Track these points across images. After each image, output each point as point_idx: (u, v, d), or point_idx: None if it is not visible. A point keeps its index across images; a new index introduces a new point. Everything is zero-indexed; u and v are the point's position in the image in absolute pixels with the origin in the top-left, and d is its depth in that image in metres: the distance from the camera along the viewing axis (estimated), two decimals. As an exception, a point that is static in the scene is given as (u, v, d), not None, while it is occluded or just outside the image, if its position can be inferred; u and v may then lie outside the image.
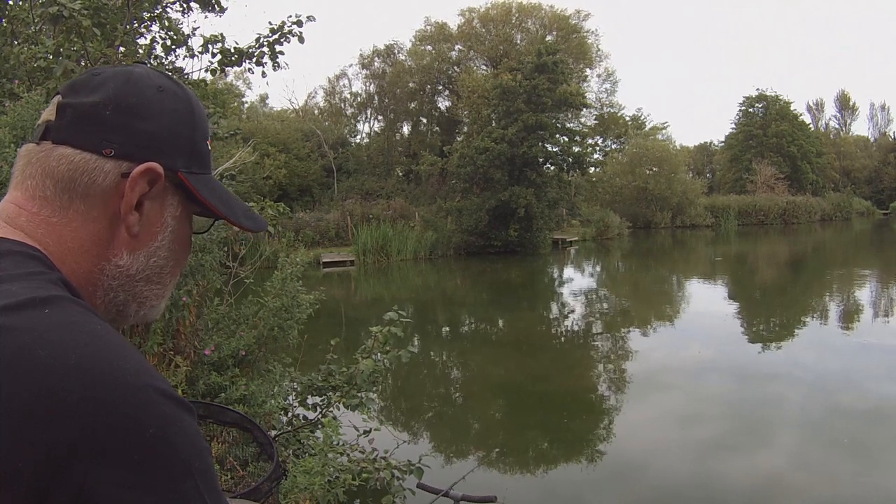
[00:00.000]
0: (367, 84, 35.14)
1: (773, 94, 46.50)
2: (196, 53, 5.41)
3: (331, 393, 4.39)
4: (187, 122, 0.70)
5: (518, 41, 33.82)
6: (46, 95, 3.84)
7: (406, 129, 35.09)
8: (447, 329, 12.98)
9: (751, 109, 47.36)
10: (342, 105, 36.92)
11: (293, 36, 5.22)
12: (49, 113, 0.67)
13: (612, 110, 39.06)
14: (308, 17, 5.23)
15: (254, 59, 5.22)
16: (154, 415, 0.53)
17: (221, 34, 5.15)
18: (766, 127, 44.98)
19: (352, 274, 20.45)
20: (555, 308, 15.02)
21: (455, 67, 33.62)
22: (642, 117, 44.49)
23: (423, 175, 28.82)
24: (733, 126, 48.84)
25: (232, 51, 5.16)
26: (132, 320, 0.73)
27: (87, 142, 0.65)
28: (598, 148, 37.59)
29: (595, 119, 37.46)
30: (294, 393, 4.68)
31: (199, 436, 0.58)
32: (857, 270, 19.47)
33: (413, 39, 34.59)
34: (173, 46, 5.30)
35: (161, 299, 0.74)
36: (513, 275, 20.30)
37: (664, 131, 43.49)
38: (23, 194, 0.66)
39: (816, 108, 62.75)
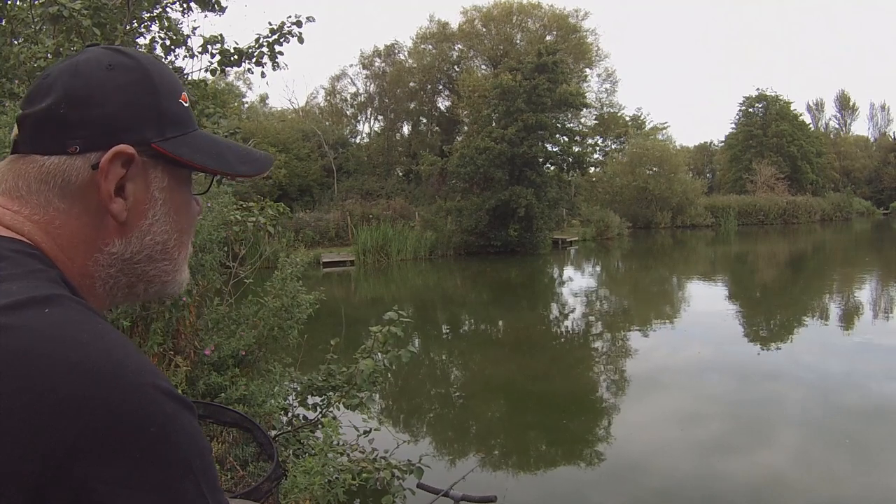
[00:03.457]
0: (368, 84, 35.22)
1: (773, 94, 46.58)
2: (196, 54, 5.41)
3: (331, 393, 4.39)
4: (147, 91, 0.67)
5: (518, 41, 33.83)
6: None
7: (406, 129, 35.11)
8: (447, 329, 12.98)
9: (751, 109, 47.36)
10: (342, 105, 36.94)
11: (293, 36, 5.22)
12: (14, 129, 0.67)
13: (612, 110, 39.06)
14: (308, 18, 5.22)
15: (253, 60, 5.22)
16: (155, 413, 0.53)
17: (221, 35, 5.15)
18: (766, 127, 44.98)
19: (352, 274, 20.45)
20: (555, 308, 15.02)
21: (455, 67, 33.63)
22: (642, 117, 44.56)
23: (423, 175, 28.81)
24: (733, 126, 48.91)
25: (231, 51, 5.16)
26: (146, 297, 0.72)
27: (51, 146, 0.64)
28: (598, 148, 37.63)
29: (595, 119, 37.45)
30: (294, 393, 4.68)
31: (201, 435, 0.58)
32: (857, 270, 19.47)
33: (414, 38, 34.67)
34: (173, 47, 5.30)
35: (174, 273, 0.72)
36: (513, 275, 20.30)
37: (664, 131, 43.56)
38: (2, 197, 0.65)
39: (816, 108, 62.80)
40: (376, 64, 34.29)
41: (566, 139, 26.04)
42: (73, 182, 0.64)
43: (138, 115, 0.66)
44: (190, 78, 5.48)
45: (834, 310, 13.31)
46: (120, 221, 0.66)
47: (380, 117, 35.32)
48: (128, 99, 0.66)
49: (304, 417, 4.64)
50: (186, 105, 0.72)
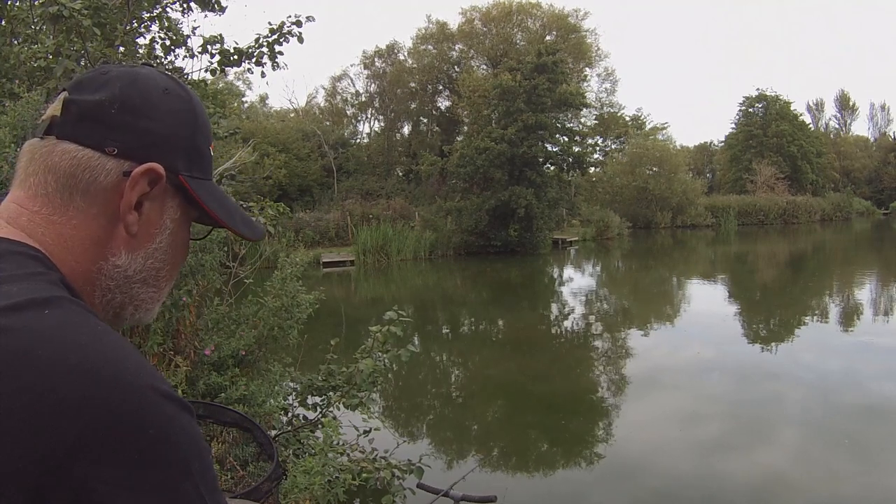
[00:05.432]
0: (368, 84, 35.24)
1: (773, 94, 46.51)
2: (196, 54, 5.40)
3: (331, 393, 4.39)
4: (190, 126, 0.71)
5: (518, 41, 33.83)
6: (46, 95, 3.84)
7: (406, 129, 35.13)
8: (447, 329, 12.98)
9: (751, 109, 47.34)
10: (343, 105, 36.95)
11: (292, 36, 5.21)
12: (54, 108, 0.67)
13: (612, 110, 39.04)
14: (307, 18, 5.22)
15: (253, 60, 5.21)
16: (154, 415, 0.54)
17: (220, 35, 5.15)
18: (767, 127, 44.95)
19: (352, 274, 20.45)
20: (555, 308, 15.02)
21: (455, 67, 33.63)
22: (642, 117, 44.51)
23: (423, 175, 28.81)
24: (733, 126, 48.86)
25: (231, 51, 5.16)
26: (128, 322, 0.73)
27: (90, 139, 0.65)
28: (598, 148, 37.60)
29: (595, 119, 37.45)
30: (294, 393, 4.68)
31: (200, 436, 0.58)
32: (857, 270, 19.48)
33: (414, 38, 34.68)
34: (172, 47, 5.30)
35: (155, 303, 0.74)
36: (513, 275, 20.30)
37: (664, 131, 43.51)
38: (25, 192, 0.66)
39: (816, 108, 62.73)
40: (377, 64, 34.33)
41: (566, 139, 26.03)
42: (100, 182, 0.65)
43: (177, 144, 0.69)
44: (190, 78, 5.47)
45: (834, 310, 13.31)
46: (130, 234, 0.67)
47: (380, 117, 35.34)
48: (173, 126, 0.69)
49: (304, 417, 4.65)
50: (212, 154, 0.75)
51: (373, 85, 34.92)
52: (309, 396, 4.53)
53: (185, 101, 0.71)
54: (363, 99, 35.84)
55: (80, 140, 0.65)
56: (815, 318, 12.43)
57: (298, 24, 5.18)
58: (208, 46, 5.16)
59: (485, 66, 33.59)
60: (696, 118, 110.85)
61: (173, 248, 0.72)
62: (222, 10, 5.69)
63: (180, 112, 0.70)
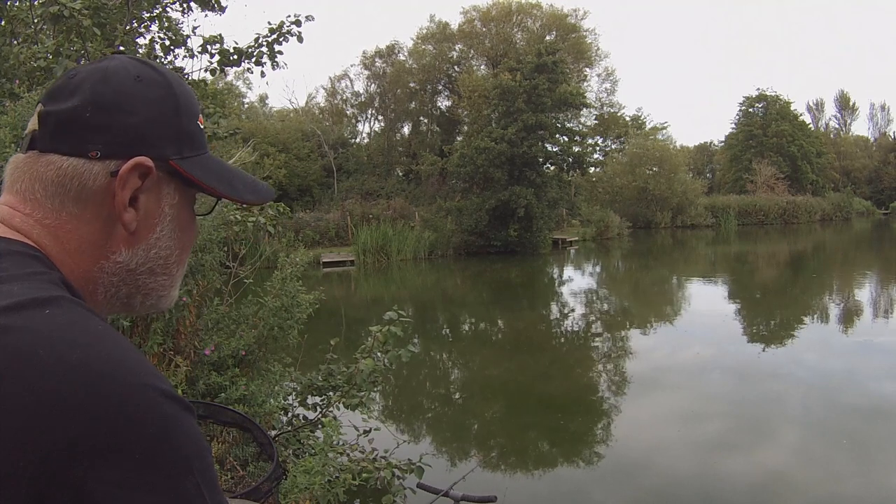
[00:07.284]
0: (369, 84, 35.24)
1: (773, 94, 46.50)
2: (195, 54, 5.41)
3: (331, 393, 4.39)
4: (171, 108, 0.68)
5: (518, 41, 33.83)
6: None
7: (406, 129, 35.12)
8: (447, 329, 12.98)
9: (751, 109, 47.33)
10: (343, 105, 36.96)
11: (292, 36, 5.22)
12: (33, 123, 0.66)
13: (612, 110, 39.03)
14: (307, 17, 5.23)
15: (253, 59, 5.22)
16: (155, 414, 0.53)
17: (220, 35, 5.16)
18: (767, 127, 44.94)
19: (352, 274, 20.46)
20: (555, 308, 15.02)
21: (455, 67, 33.63)
22: (642, 117, 44.49)
23: (423, 175, 28.82)
24: (733, 126, 48.85)
25: (231, 51, 5.16)
26: (140, 310, 0.73)
27: (71, 147, 0.64)
28: (598, 148, 37.58)
29: (595, 119, 37.43)
30: (294, 393, 4.68)
31: (200, 435, 0.58)
32: (858, 270, 19.48)
33: (414, 38, 34.69)
34: (172, 47, 5.30)
35: (168, 289, 0.73)
36: (513, 275, 20.30)
37: (664, 131, 43.46)
38: (14, 197, 0.65)
39: (816, 108, 62.71)
40: (377, 64, 34.33)
41: (566, 139, 26.04)
42: (90, 187, 0.64)
43: (160, 131, 0.67)
44: (190, 78, 5.48)
45: (834, 310, 13.31)
46: (129, 231, 0.67)
47: (380, 117, 35.35)
48: (153, 113, 0.67)
49: (304, 417, 4.65)
50: (202, 127, 0.73)
51: (373, 85, 34.94)
52: (309, 396, 4.53)
53: (161, 85, 0.68)
54: (363, 99, 35.85)
55: (61, 151, 0.64)
56: (815, 317, 12.42)
57: (298, 23, 5.19)
58: (208, 46, 5.17)
59: (485, 66, 33.59)
60: (696, 118, 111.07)
61: (178, 232, 0.71)
62: (222, 9, 5.70)
63: (158, 97, 0.68)
